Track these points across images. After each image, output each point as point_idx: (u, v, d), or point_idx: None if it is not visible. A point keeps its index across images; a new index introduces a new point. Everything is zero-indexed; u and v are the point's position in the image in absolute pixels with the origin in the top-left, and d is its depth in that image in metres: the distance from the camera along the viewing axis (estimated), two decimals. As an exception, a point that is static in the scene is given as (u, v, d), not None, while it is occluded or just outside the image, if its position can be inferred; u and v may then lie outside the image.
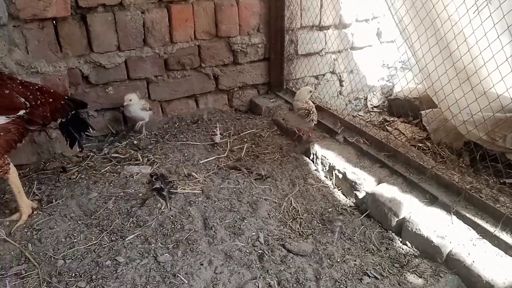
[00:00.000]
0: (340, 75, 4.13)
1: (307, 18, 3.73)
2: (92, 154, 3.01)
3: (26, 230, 2.19)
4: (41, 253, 2.07)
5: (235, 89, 3.70)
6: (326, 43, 3.92)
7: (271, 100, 3.67)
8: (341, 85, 4.18)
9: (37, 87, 2.33)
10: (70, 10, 2.83)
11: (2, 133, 2.13)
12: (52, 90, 2.42)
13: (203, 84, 3.56)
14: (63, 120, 2.44)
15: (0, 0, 2.53)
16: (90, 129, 2.58)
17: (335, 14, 3.84)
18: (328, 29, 3.90)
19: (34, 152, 2.92)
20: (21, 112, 2.19)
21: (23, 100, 2.20)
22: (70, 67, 2.98)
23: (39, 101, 2.28)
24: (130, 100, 3.09)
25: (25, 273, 1.96)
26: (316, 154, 2.88)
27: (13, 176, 2.25)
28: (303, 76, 3.89)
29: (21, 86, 2.22)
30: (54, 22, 2.82)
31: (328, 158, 2.78)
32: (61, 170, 2.77)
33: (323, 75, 4.04)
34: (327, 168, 2.78)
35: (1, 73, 2.29)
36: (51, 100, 2.33)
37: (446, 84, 2.57)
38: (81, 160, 2.93)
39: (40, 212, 2.34)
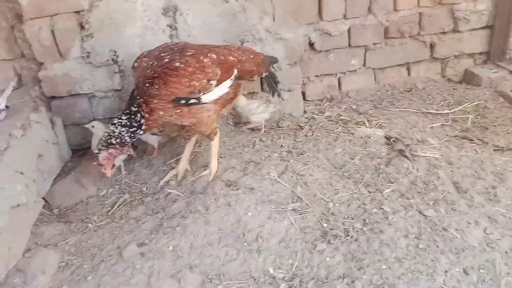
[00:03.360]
0: None
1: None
2: (316, 116, 3.26)
3: (291, 175, 2.51)
4: (310, 195, 2.36)
5: (450, 57, 3.58)
6: (561, 9, 3.50)
7: (492, 71, 3.46)
8: None
9: (236, 47, 2.61)
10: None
11: (225, 96, 2.48)
12: (248, 48, 2.68)
13: (418, 52, 3.53)
14: (266, 73, 2.71)
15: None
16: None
17: None
18: None
19: (268, 111, 3.29)
20: (235, 71, 2.50)
21: (233, 58, 2.49)
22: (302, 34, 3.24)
23: (243, 58, 2.56)
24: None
25: (301, 209, 2.27)
26: None
27: (217, 140, 2.60)
28: (528, 47, 3.56)
29: (225, 49, 2.52)
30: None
31: None
32: (299, 127, 3.08)
33: (552, 45, 3.63)
34: None
35: (204, 45, 2.55)
36: (252, 56, 2.60)
37: None
38: (307, 121, 3.21)
39: (295, 161, 2.65)
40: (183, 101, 2.32)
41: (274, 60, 2.82)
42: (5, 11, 2.94)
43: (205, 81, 2.35)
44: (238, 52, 2.56)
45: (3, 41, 3.11)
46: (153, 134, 2.97)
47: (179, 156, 2.90)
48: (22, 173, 2.44)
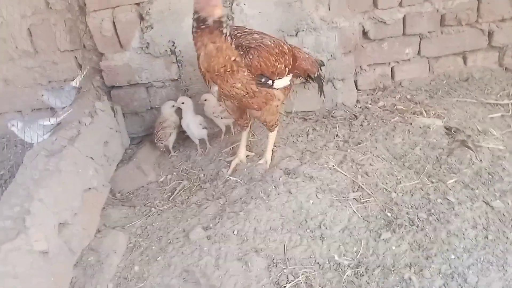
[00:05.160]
0: None
1: None
2: (369, 105, 3.24)
3: (350, 165, 2.53)
4: (371, 184, 2.37)
5: (509, 46, 3.45)
6: None
7: (555, 59, 3.32)
8: None
9: (294, 46, 2.65)
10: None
11: (288, 87, 2.53)
12: (303, 50, 2.74)
13: (476, 41, 3.42)
14: (318, 73, 2.77)
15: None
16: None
17: None
18: None
19: (319, 100, 3.28)
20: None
21: (300, 56, 2.59)
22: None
23: (301, 56, 2.63)
24: (205, 100, 2.94)
25: (363, 199, 2.29)
26: None
27: (275, 131, 2.65)
28: None
29: (290, 46, 2.55)
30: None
31: None
32: (353, 117, 3.07)
33: None
34: None
35: (279, 41, 2.54)
36: (307, 56, 2.68)
37: None
38: (361, 110, 3.20)
39: (353, 150, 2.66)
40: (263, 79, 2.33)
41: (321, 63, 2.90)
42: (73, 3, 3.07)
43: (283, 66, 2.40)
44: (297, 50, 2.64)
45: (67, 33, 3.26)
46: (204, 128, 3.04)
47: (234, 145, 2.98)
48: (92, 159, 2.57)
